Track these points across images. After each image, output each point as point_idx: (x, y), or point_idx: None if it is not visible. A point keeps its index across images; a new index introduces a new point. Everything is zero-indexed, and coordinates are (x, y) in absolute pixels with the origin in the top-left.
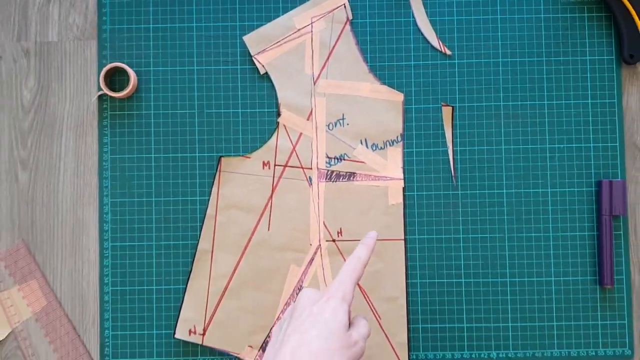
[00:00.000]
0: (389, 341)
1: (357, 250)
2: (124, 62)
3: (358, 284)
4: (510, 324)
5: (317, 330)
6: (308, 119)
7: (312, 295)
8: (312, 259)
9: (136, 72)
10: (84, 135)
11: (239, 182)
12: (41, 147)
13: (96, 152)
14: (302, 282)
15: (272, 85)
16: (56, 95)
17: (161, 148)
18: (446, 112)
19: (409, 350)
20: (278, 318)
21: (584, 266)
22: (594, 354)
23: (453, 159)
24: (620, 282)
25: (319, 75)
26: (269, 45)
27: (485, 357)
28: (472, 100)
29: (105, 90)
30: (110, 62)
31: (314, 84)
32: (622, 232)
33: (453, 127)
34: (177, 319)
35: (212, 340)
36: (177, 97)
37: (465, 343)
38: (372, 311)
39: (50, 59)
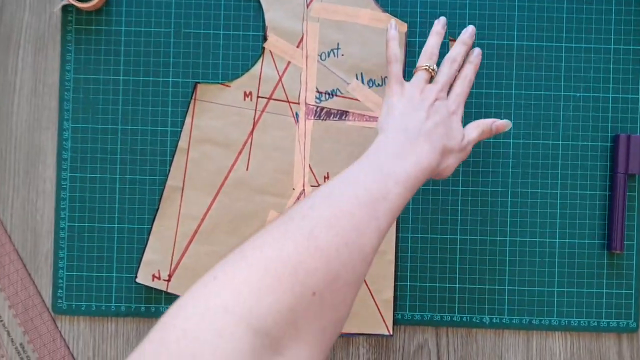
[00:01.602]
0: (374, 298)
1: (466, 68)
2: None
3: None
4: (507, 287)
5: (447, 138)
6: (298, 47)
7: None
8: None
9: None
10: (44, 50)
11: (216, 114)
12: None
13: (57, 70)
14: None
15: (260, 5)
16: (14, 2)
17: (131, 70)
18: None
19: (395, 309)
20: None
21: (592, 228)
22: (595, 324)
23: None
24: (631, 248)
25: None
26: None
27: (477, 321)
28: (482, 36)
29: (71, 0)
30: None
31: (307, 7)
32: (636, 193)
33: None
34: (140, 262)
35: (178, 288)
36: (151, 12)
37: (456, 305)
38: None
39: None
